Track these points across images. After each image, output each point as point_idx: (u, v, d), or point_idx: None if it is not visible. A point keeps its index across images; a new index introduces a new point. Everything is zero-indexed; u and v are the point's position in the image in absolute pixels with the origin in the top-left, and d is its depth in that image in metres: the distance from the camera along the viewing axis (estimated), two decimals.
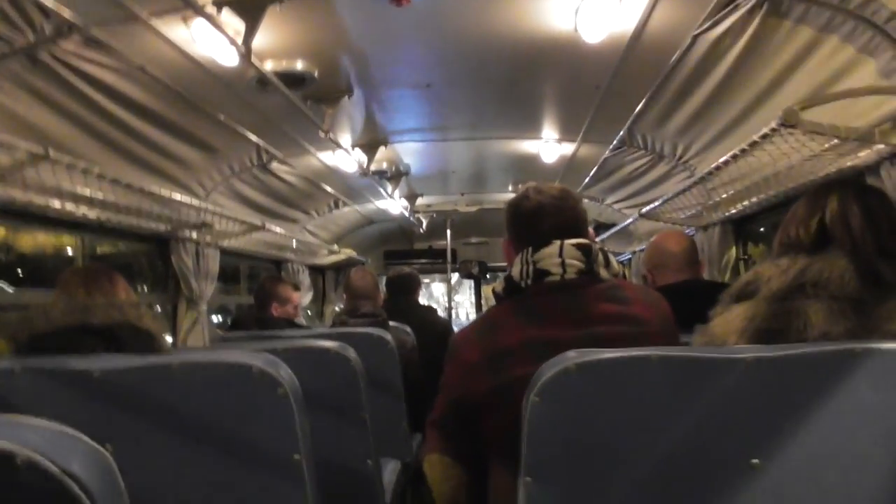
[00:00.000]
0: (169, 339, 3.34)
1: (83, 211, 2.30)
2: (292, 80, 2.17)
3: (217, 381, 1.35)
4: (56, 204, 2.17)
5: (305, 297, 5.31)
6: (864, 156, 1.48)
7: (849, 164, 1.55)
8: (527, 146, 3.54)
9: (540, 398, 1.07)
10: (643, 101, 2.42)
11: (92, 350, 1.45)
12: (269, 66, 2.08)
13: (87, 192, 2.21)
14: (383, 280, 4.21)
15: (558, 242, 1.38)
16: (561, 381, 1.07)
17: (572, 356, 1.08)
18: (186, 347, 3.19)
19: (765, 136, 1.60)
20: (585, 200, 4.31)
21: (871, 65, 1.43)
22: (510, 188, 4.82)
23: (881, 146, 1.40)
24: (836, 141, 1.54)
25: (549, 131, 3.25)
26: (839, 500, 1.02)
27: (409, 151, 3.68)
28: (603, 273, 1.38)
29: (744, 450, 1.05)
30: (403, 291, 3.69)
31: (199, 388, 1.35)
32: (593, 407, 1.08)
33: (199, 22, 1.66)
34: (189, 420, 1.34)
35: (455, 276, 7.26)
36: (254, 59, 1.85)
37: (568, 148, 3.45)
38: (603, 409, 1.08)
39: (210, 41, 1.81)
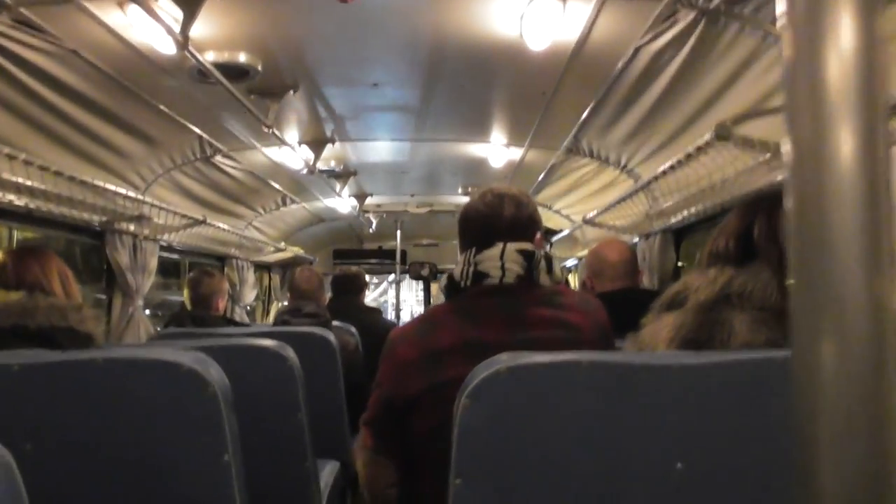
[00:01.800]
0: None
1: (10, 198, 2.19)
2: (234, 72, 2.12)
3: (143, 379, 1.30)
4: None
5: (250, 295, 5.22)
6: None
7: (779, 177, 1.61)
8: (476, 150, 3.55)
9: (471, 400, 1.07)
10: (588, 108, 2.46)
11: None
12: (209, 56, 2.02)
13: (14, 178, 2.11)
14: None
15: (501, 245, 1.39)
16: (492, 383, 1.07)
17: (504, 359, 1.09)
18: (119, 344, 3.08)
19: (699, 149, 1.64)
20: None
21: None
22: (460, 191, 4.83)
23: None
24: (768, 155, 1.59)
25: (498, 135, 3.27)
26: None
27: (357, 150, 3.65)
28: (544, 279, 1.39)
29: (669, 454, 1.07)
30: (349, 291, 3.65)
31: (124, 386, 1.30)
32: (524, 410, 1.09)
33: (134, 7, 1.60)
34: (114, 419, 1.29)
35: (405, 278, 7.24)
36: (193, 50, 1.79)
37: (516, 153, 3.48)
38: (533, 412, 1.09)
39: (147, 28, 1.75)
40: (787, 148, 0.39)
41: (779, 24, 0.40)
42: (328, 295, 3.68)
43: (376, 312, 3.91)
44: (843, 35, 0.37)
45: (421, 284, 7.82)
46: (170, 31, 1.66)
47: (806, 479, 0.40)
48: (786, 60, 0.39)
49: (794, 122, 0.39)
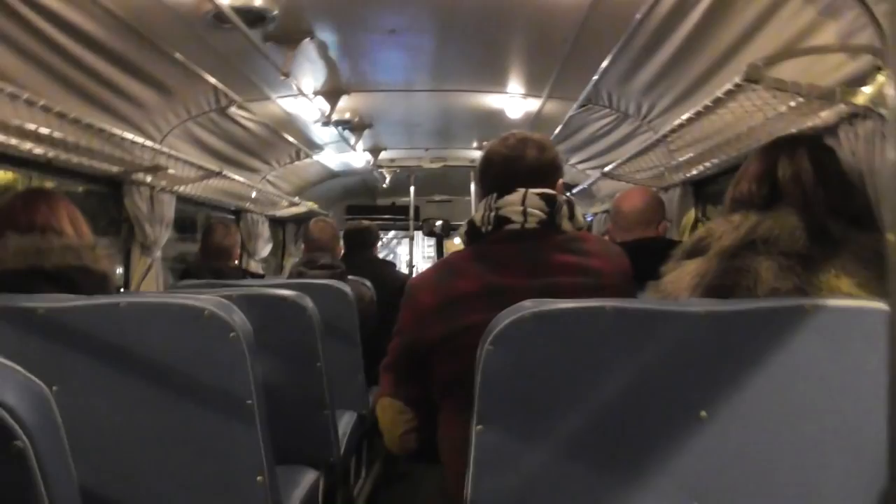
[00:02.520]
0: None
1: (29, 146, 2.19)
2: (251, 16, 2.08)
3: (167, 323, 1.32)
4: (1, 137, 2.07)
5: (264, 249, 5.24)
6: (825, 116, 1.49)
7: (808, 124, 1.57)
8: (492, 101, 3.49)
9: (494, 346, 1.07)
10: (609, 57, 2.40)
11: (42, 292, 1.40)
12: (226, 0, 1.99)
13: (32, 126, 2.11)
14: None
15: (522, 191, 1.37)
16: (516, 330, 1.07)
17: (528, 305, 1.08)
18: (139, 292, 3.12)
19: (728, 93, 1.60)
20: None
21: (835, 24, 1.43)
22: (475, 145, 4.77)
23: (841, 106, 1.41)
24: (798, 101, 1.54)
25: (515, 85, 3.21)
26: (785, 453, 1.05)
27: (372, 102, 3.60)
28: (566, 225, 1.38)
29: (692, 402, 1.07)
30: (361, 245, 3.65)
31: (148, 330, 1.32)
32: (547, 356, 1.09)
33: None
34: (138, 362, 1.31)
35: (417, 234, 7.24)
36: None
37: (534, 104, 3.42)
38: (557, 358, 1.09)
39: None
40: (890, 91, 0.37)
41: None
42: (341, 248, 3.68)
43: (390, 265, 3.92)
44: None
45: (428, 241, 7.81)
46: None
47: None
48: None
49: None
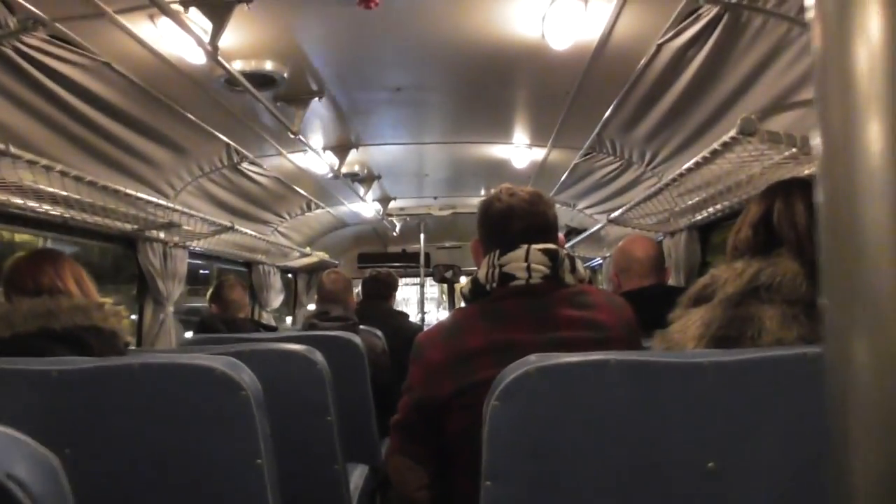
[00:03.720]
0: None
1: (46, 208, 2.25)
2: (261, 80, 2.16)
3: (178, 384, 1.33)
4: (17, 201, 2.13)
5: (276, 300, 5.27)
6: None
7: (806, 172, 1.59)
8: (498, 151, 3.55)
9: (500, 402, 1.08)
10: (611, 107, 2.45)
11: (53, 354, 1.42)
12: (237, 65, 2.06)
13: (49, 189, 2.17)
14: (358, 283, 4.20)
15: (525, 247, 1.39)
16: (521, 384, 1.08)
17: (533, 360, 1.09)
18: (152, 349, 3.15)
19: (725, 145, 1.63)
20: (557, 205, 4.35)
21: None
22: (483, 192, 4.83)
23: None
24: (793, 151, 1.57)
25: (520, 136, 3.27)
26: (794, 502, 1.04)
27: (381, 154, 3.67)
28: (568, 278, 1.39)
29: (700, 453, 1.06)
30: (377, 296, 3.68)
31: (159, 391, 1.33)
32: (553, 410, 1.09)
33: (165, 20, 1.64)
34: (149, 422, 1.32)
35: (428, 281, 7.26)
36: (221, 59, 1.83)
37: (539, 153, 3.48)
38: (563, 412, 1.09)
39: (177, 39, 1.79)
40: (816, 141, 0.39)
41: (807, 16, 0.40)
42: (358, 298, 3.70)
43: (403, 316, 3.92)
44: (873, 26, 0.36)
45: (436, 287, 7.81)
46: (199, 41, 1.70)
47: (838, 474, 0.40)
48: (815, 53, 0.39)
49: (824, 115, 0.38)
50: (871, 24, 0.37)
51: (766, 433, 1.06)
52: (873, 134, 0.37)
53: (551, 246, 1.40)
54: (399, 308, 4.61)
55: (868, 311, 0.37)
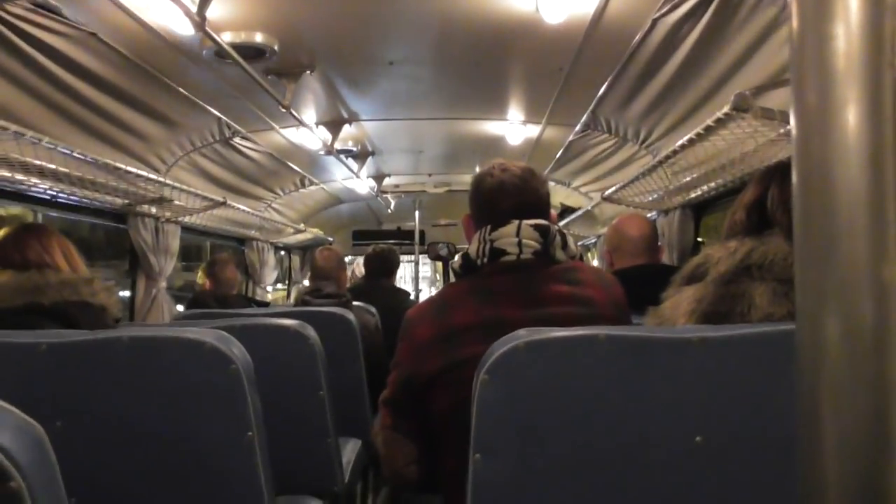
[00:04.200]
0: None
1: (34, 181, 2.23)
2: (251, 52, 2.13)
3: (168, 357, 1.33)
4: (5, 173, 2.11)
5: (271, 277, 5.27)
6: None
7: None
8: (493, 128, 3.53)
9: (489, 376, 1.08)
10: (606, 83, 2.43)
11: (42, 329, 1.42)
12: (226, 37, 2.03)
13: (37, 162, 2.15)
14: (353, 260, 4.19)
15: (516, 222, 1.38)
16: (510, 359, 1.08)
17: (522, 335, 1.09)
18: (143, 323, 3.14)
19: (719, 121, 1.62)
20: (552, 183, 4.35)
21: None
22: (477, 169, 4.79)
23: None
24: (787, 128, 1.56)
25: (515, 113, 3.25)
26: (778, 478, 1.05)
27: (374, 130, 3.65)
28: (559, 255, 1.39)
29: (688, 427, 1.07)
30: (378, 272, 3.68)
31: (149, 364, 1.33)
32: (542, 385, 1.09)
33: None
34: (140, 396, 1.33)
35: (423, 258, 7.26)
36: (210, 30, 1.80)
37: (533, 130, 3.46)
38: (551, 387, 1.09)
39: (164, 9, 1.75)
40: (793, 121, 0.39)
41: None
42: (347, 276, 3.70)
43: (402, 293, 3.91)
44: (851, 4, 0.36)
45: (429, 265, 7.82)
46: (187, 12, 1.67)
47: (807, 450, 0.40)
48: (793, 31, 0.39)
49: (800, 95, 0.39)
50: (850, 4, 0.36)
51: (754, 407, 1.07)
52: (849, 115, 0.37)
53: (542, 222, 1.40)
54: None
55: (839, 291, 0.38)
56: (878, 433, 0.38)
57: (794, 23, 0.39)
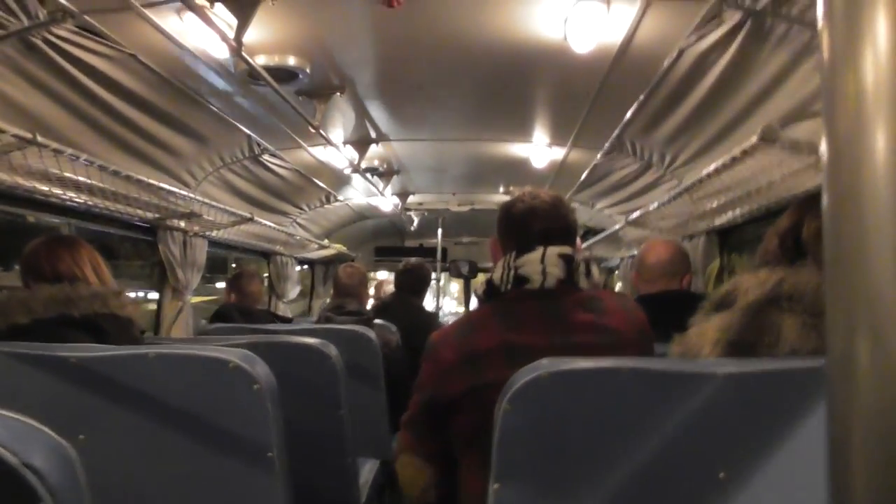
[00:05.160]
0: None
1: (70, 195, 2.29)
2: (283, 75, 2.17)
3: (193, 374, 1.35)
4: (43, 188, 2.17)
5: (293, 291, 5.31)
6: None
7: None
8: (518, 150, 3.55)
9: (512, 405, 1.08)
10: (632, 109, 2.44)
11: (72, 340, 1.45)
12: (260, 60, 2.08)
13: (73, 177, 2.21)
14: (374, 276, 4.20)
15: (542, 249, 1.39)
16: (533, 388, 1.08)
17: (545, 364, 1.09)
18: (170, 337, 3.19)
19: (745, 152, 1.61)
20: (576, 204, 4.35)
21: None
22: (501, 190, 4.82)
23: None
24: (815, 158, 1.55)
25: (540, 135, 3.26)
26: None
27: (401, 150, 3.68)
28: (583, 283, 1.40)
29: (711, 463, 1.06)
30: (410, 289, 3.65)
31: (174, 380, 1.35)
32: (564, 416, 1.09)
33: (191, 15, 1.66)
34: (163, 412, 1.35)
35: (444, 276, 7.27)
36: (245, 54, 1.85)
37: (558, 152, 3.47)
38: (574, 418, 1.09)
39: (202, 33, 1.81)
40: (823, 149, 0.39)
41: (818, 25, 0.40)
42: (369, 293, 3.71)
43: (428, 314, 3.86)
44: (881, 34, 0.37)
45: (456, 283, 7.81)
46: (224, 37, 1.72)
47: (838, 483, 0.40)
48: (824, 61, 0.39)
49: (831, 123, 0.39)
50: (879, 32, 0.37)
51: (778, 444, 1.05)
52: (879, 142, 0.37)
53: (567, 250, 1.41)
54: None
55: (871, 319, 0.37)
56: None
57: (825, 51, 0.39)
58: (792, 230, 1.28)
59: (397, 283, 3.71)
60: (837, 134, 0.38)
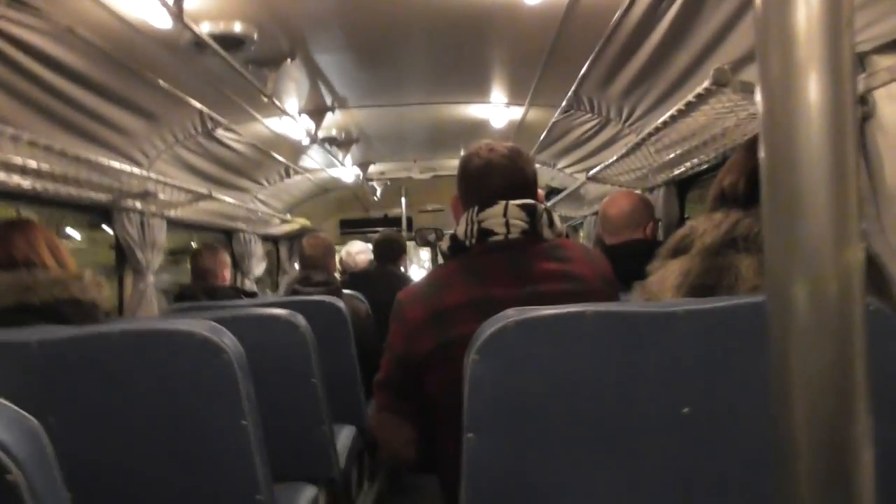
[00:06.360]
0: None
1: (17, 180, 2.21)
2: (230, 42, 2.11)
3: (159, 350, 1.34)
4: None
5: (258, 268, 5.26)
6: None
7: None
8: (476, 111, 3.53)
9: (479, 356, 1.09)
10: (587, 63, 2.43)
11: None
12: (205, 27, 2.01)
13: (19, 160, 2.13)
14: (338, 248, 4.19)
15: (503, 202, 1.40)
16: (500, 338, 1.09)
17: (511, 314, 1.10)
18: (133, 318, 3.13)
19: (699, 96, 1.63)
20: (537, 165, 4.34)
21: None
22: (463, 153, 4.80)
23: None
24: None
25: (498, 95, 3.25)
26: (763, 445, 1.07)
27: (358, 117, 3.64)
28: (546, 233, 1.40)
29: (676, 399, 1.09)
30: (387, 258, 3.80)
31: (141, 357, 1.34)
32: (532, 363, 1.11)
33: None
34: (132, 390, 1.33)
35: (411, 245, 7.26)
36: (188, 21, 1.79)
37: (517, 112, 3.46)
38: (541, 365, 1.11)
39: (140, 2, 1.74)
40: (759, 94, 0.40)
41: None
42: (336, 263, 3.71)
43: (405, 279, 3.91)
44: None
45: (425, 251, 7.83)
46: (163, 3, 1.66)
47: (779, 413, 0.42)
48: (756, 8, 0.40)
49: (764, 70, 0.40)
50: None
51: (739, 378, 1.08)
52: (811, 89, 0.38)
53: (529, 201, 1.41)
54: None
55: (806, 260, 0.39)
56: (839, 386, 0.39)
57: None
58: (747, 171, 1.29)
59: (376, 253, 3.84)
60: (771, 79, 0.39)
